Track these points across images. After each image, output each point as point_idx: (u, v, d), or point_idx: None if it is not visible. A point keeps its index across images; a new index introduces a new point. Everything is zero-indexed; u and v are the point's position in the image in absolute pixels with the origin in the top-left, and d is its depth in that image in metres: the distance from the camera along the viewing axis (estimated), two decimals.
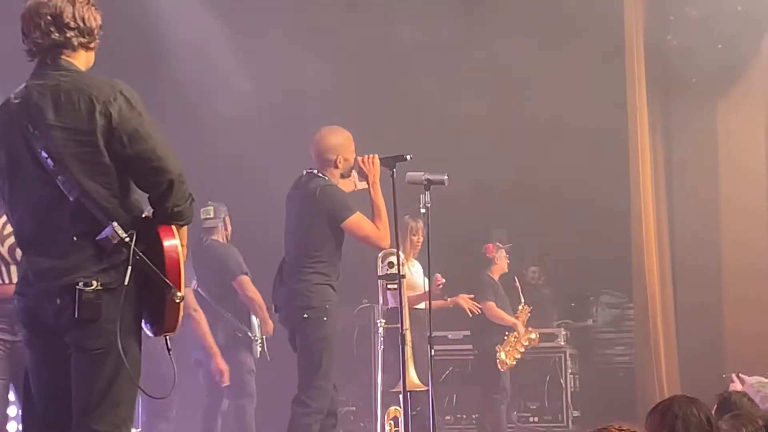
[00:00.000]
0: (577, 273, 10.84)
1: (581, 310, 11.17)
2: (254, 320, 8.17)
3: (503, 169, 10.33)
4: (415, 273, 8.61)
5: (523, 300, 9.68)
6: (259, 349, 8.30)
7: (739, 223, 10.07)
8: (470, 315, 9.23)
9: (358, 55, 10.29)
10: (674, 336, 9.93)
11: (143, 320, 3.79)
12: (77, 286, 3.62)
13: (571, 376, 10.25)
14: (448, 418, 10.06)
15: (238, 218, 8.55)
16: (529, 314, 9.64)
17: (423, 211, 6.47)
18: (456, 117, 10.35)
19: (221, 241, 8.23)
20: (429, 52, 10.56)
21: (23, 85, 3.81)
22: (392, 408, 7.68)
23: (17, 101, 3.78)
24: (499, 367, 9.27)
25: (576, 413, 10.22)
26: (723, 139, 10.21)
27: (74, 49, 3.84)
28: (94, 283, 3.63)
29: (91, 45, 3.89)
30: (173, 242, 3.72)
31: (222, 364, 7.88)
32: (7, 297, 5.15)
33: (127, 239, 3.65)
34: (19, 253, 4.16)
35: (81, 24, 3.82)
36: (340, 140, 6.46)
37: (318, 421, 6.23)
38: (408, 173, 6.45)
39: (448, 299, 9.13)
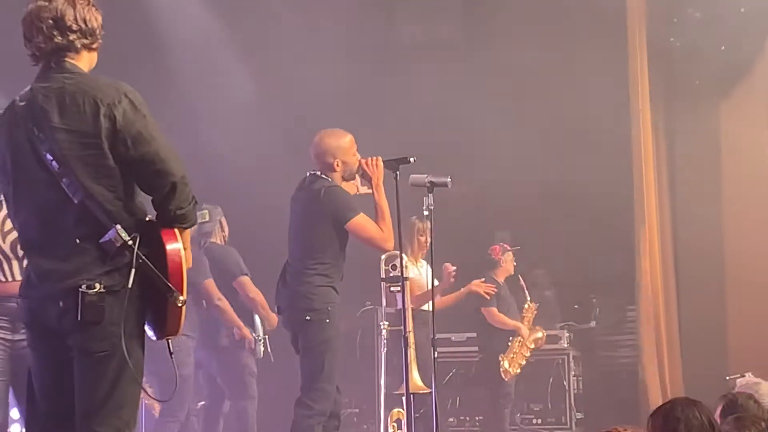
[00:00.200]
0: (581, 275, 10.83)
1: (584, 313, 11.16)
2: (257, 320, 8.18)
3: (506, 171, 10.32)
4: (424, 273, 8.61)
5: (529, 298, 9.67)
6: (263, 348, 8.31)
7: (743, 224, 10.07)
8: (488, 298, 9.19)
9: (359, 55, 10.30)
10: (677, 338, 9.93)
11: (146, 323, 3.79)
12: (80, 289, 3.62)
13: (574, 378, 10.24)
14: (451, 420, 10.05)
15: (240, 220, 8.56)
16: (535, 312, 9.63)
17: (426, 213, 6.48)
18: (459, 119, 10.34)
19: (219, 242, 8.24)
20: (431, 53, 10.57)
21: (28, 87, 3.82)
22: (395, 410, 7.68)
23: (22, 104, 3.78)
24: (503, 376, 9.25)
25: (579, 415, 10.20)
26: (726, 141, 10.21)
27: (77, 51, 3.84)
28: (97, 285, 3.63)
29: (94, 46, 3.90)
30: (176, 246, 3.72)
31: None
32: (8, 295, 5.16)
33: (130, 242, 3.66)
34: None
35: (83, 26, 3.83)
36: (338, 143, 6.45)
37: (321, 423, 6.22)
38: (411, 175, 6.45)
39: (462, 290, 9.15)
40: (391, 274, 7.28)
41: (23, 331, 4.34)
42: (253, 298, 8.04)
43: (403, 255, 8.44)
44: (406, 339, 6.36)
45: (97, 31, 3.89)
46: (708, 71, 9.87)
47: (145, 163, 3.71)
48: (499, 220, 10.61)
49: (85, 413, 3.70)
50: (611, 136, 9.99)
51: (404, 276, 6.79)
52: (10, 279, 5.48)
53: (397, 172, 6.36)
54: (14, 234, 5.26)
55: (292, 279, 6.40)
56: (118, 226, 3.66)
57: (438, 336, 6.54)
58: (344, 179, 6.48)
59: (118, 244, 3.65)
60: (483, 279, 9.28)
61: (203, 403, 8.24)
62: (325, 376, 6.22)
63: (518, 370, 9.33)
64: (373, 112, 9.94)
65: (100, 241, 3.67)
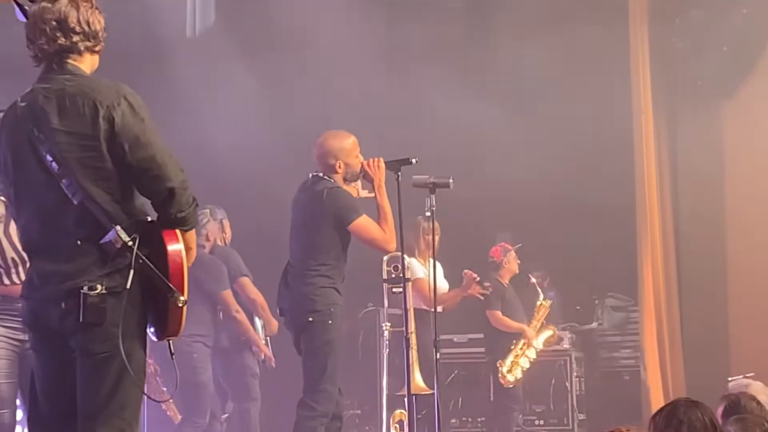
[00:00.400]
0: (583, 276, 10.82)
1: (586, 314, 11.15)
2: (258, 322, 8.18)
3: (507, 172, 10.31)
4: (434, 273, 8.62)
5: (542, 296, 9.65)
6: None
7: (745, 225, 10.06)
8: (481, 298, 9.15)
9: (361, 56, 10.29)
10: (679, 339, 9.92)
11: (148, 324, 3.79)
12: (82, 290, 3.63)
13: (577, 379, 10.23)
14: (453, 421, 10.04)
15: (242, 221, 8.56)
16: (548, 310, 9.62)
17: (428, 214, 6.48)
18: (461, 120, 10.34)
19: (220, 244, 8.23)
20: (432, 53, 10.57)
21: (30, 88, 3.82)
22: (397, 411, 7.68)
23: (23, 104, 3.79)
24: (501, 382, 9.24)
25: (581, 416, 10.20)
26: (728, 142, 10.20)
27: (80, 53, 3.85)
28: (99, 287, 3.64)
29: (96, 48, 3.90)
30: (177, 246, 3.73)
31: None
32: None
33: (131, 243, 3.66)
34: None
35: (86, 28, 3.83)
36: (341, 145, 6.45)
37: (323, 424, 6.23)
38: (413, 176, 6.46)
39: (457, 290, 9.14)
40: (393, 276, 7.27)
41: None
42: (253, 299, 8.05)
43: (413, 255, 8.54)
44: (407, 340, 6.36)
45: (100, 34, 3.90)
46: (710, 72, 9.86)
47: (142, 168, 3.72)
48: (500, 220, 10.60)
49: (87, 414, 3.70)
50: (613, 136, 9.98)
51: (406, 277, 6.78)
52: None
53: (399, 173, 6.36)
54: None
55: (293, 280, 6.40)
56: (118, 227, 3.67)
57: (441, 337, 6.55)
58: (346, 181, 6.48)
59: (119, 245, 3.66)
60: (488, 283, 9.27)
61: (227, 414, 8.22)
62: (328, 378, 6.22)
63: (519, 375, 9.30)
64: (374, 113, 9.94)
65: (101, 242, 3.68)
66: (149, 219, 3.80)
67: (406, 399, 6.58)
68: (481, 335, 9.81)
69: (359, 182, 6.58)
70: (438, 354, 6.39)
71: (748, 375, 7.66)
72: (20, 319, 5.37)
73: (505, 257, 9.51)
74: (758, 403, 4.82)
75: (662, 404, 4.26)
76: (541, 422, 10.12)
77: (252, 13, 10.29)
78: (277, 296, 6.63)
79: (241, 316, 7.90)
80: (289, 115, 10.01)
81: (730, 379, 7.73)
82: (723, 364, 9.56)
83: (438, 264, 8.82)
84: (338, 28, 10.09)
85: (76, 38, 3.81)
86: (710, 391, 6.64)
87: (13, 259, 5.72)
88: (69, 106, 3.72)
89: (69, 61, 3.82)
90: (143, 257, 3.67)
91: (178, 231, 3.76)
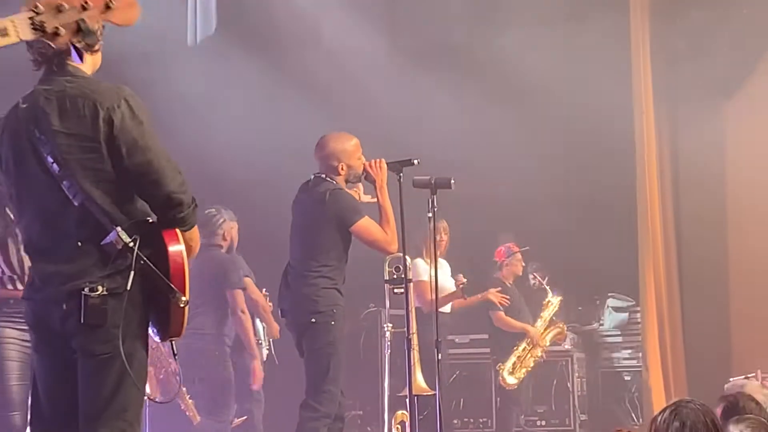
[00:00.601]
0: (584, 277, 10.82)
1: (588, 314, 11.16)
2: (258, 324, 8.18)
3: (509, 173, 10.32)
4: (440, 273, 8.63)
5: (550, 293, 9.65)
6: (266, 352, 8.31)
7: (747, 225, 10.06)
8: (501, 308, 9.21)
9: (363, 57, 10.31)
10: (681, 339, 9.91)
11: (150, 325, 3.80)
12: (83, 292, 3.63)
13: (578, 379, 10.23)
14: (455, 422, 10.05)
15: (245, 223, 8.55)
16: (557, 308, 9.62)
17: (429, 215, 6.48)
18: (462, 120, 10.35)
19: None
20: (433, 55, 10.58)
21: (31, 89, 3.82)
22: (399, 412, 7.68)
23: (24, 106, 3.79)
24: (502, 385, 9.24)
25: (583, 417, 10.20)
26: (730, 142, 10.20)
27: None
28: (100, 288, 3.64)
29: (96, 48, 3.88)
30: (178, 247, 3.72)
31: (258, 370, 7.91)
32: None
33: (131, 244, 3.66)
34: None
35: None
36: (343, 146, 6.45)
37: (326, 425, 6.23)
38: (415, 177, 6.46)
39: (478, 296, 9.16)
40: (395, 276, 7.27)
41: None
42: (254, 300, 8.04)
43: (420, 255, 8.54)
44: (409, 341, 6.37)
45: (99, 33, 3.88)
46: (712, 72, 9.86)
47: (139, 173, 3.72)
48: (502, 221, 10.60)
49: (88, 415, 3.70)
50: (615, 136, 9.99)
51: (407, 278, 6.78)
52: None
53: (401, 175, 6.36)
54: None
55: (294, 281, 6.40)
56: (119, 229, 3.67)
57: (448, 337, 6.55)
58: (348, 182, 6.49)
59: (120, 247, 3.66)
60: (499, 289, 9.30)
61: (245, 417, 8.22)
62: (331, 379, 6.22)
63: (522, 376, 9.30)
64: (376, 114, 9.95)
65: (102, 243, 3.67)
66: (150, 220, 3.79)
67: (407, 400, 6.58)
68: (485, 336, 9.82)
69: (361, 186, 6.58)
70: (440, 355, 6.39)
71: (749, 375, 7.67)
72: None
73: (507, 258, 9.51)
74: (757, 403, 4.82)
75: (664, 405, 4.26)
76: (543, 423, 10.12)
77: (255, 16, 10.29)
78: (278, 297, 6.64)
79: (246, 317, 7.88)
80: (290, 116, 10.01)
81: (731, 379, 7.73)
82: (724, 364, 9.57)
83: (446, 263, 8.90)
84: (341, 30, 10.10)
85: (74, 40, 3.81)
86: (712, 391, 6.63)
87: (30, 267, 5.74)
88: (69, 107, 3.71)
89: (69, 62, 3.82)
90: (144, 258, 3.67)
91: (178, 231, 3.76)
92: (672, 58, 10.03)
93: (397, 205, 6.34)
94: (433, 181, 6.43)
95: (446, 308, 8.92)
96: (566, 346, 10.24)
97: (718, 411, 4.60)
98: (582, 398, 10.28)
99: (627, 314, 10.95)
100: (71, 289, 3.66)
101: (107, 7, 3.14)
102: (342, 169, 6.41)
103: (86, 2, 3.09)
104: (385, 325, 7.71)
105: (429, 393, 6.89)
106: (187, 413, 7.59)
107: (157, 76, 9.24)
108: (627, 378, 10.71)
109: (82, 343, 3.69)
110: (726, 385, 7.06)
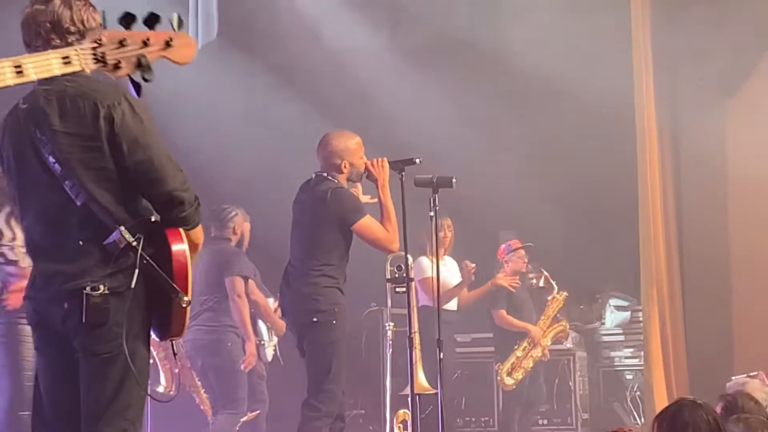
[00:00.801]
0: (586, 276, 10.82)
1: (590, 313, 11.15)
2: (261, 325, 8.18)
3: (510, 172, 10.32)
4: (446, 269, 8.64)
5: (556, 289, 9.64)
6: (272, 352, 8.31)
7: (748, 223, 10.04)
8: (513, 290, 9.25)
9: (364, 56, 10.30)
10: (683, 338, 9.90)
11: (151, 324, 3.79)
12: (84, 291, 3.62)
13: (580, 378, 10.22)
14: (457, 421, 10.04)
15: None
16: (562, 303, 9.61)
17: (431, 213, 6.48)
18: (462, 119, 10.35)
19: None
20: (434, 53, 10.58)
21: (32, 89, 3.82)
22: (401, 411, 7.68)
23: (25, 106, 3.78)
24: (501, 385, 9.23)
25: (585, 416, 10.19)
26: (731, 141, 10.19)
27: None
28: (101, 287, 3.63)
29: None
30: (181, 247, 3.71)
31: (253, 349, 7.90)
32: None
33: (135, 243, 3.66)
34: None
35: (81, 27, 3.79)
36: (346, 145, 6.45)
37: (328, 425, 6.23)
38: (416, 176, 6.46)
39: (487, 284, 9.17)
40: (396, 275, 7.26)
41: None
42: (255, 300, 8.03)
43: (424, 253, 8.55)
44: (411, 340, 6.37)
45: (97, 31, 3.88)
46: (713, 72, 9.85)
47: (140, 171, 3.71)
48: (503, 219, 10.60)
49: (90, 414, 3.70)
50: (616, 135, 9.98)
51: (409, 277, 6.78)
52: None
53: (403, 173, 6.37)
54: None
55: (295, 280, 6.39)
56: (122, 228, 3.66)
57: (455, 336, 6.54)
58: (350, 181, 6.49)
59: (122, 246, 3.65)
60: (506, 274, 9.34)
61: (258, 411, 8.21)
62: (332, 378, 6.22)
63: (521, 377, 9.28)
64: (378, 113, 9.95)
65: (104, 242, 3.67)
66: (153, 219, 3.78)
67: (409, 399, 6.58)
68: (488, 335, 9.80)
69: (360, 186, 6.58)
70: (442, 353, 6.39)
71: (752, 374, 7.65)
72: None
73: (507, 256, 9.50)
74: (756, 402, 4.82)
75: (666, 404, 4.26)
76: (545, 421, 10.12)
77: (257, 16, 10.29)
78: (278, 298, 6.63)
79: (243, 301, 7.85)
80: (291, 116, 10.01)
81: (733, 378, 7.73)
82: (726, 363, 9.55)
83: (452, 260, 8.91)
84: (341, 31, 10.10)
85: (71, 38, 3.77)
86: (714, 390, 6.64)
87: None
88: (70, 107, 3.70)
89: None
90: (147, 257, 3.66)
91: (182, 231, 3.75)
92: (673, 57, 10.02)
93: (399, 204, 6.34)
94: (434, 180, 6.43)
95: (452, 305, 8.92)
96: (568, 345, 10.23)
97: (718, 410, 4.60)
98: (584, 397, 10.27)
99: (629, 313, 10.95)
100: (73, 288, 3.66)
101: (167, 45, 3.18)
102: (345, 167, 6.41)
103: (148, 38, 3.13)
104: (386, 324, 7.71)
105: (431, 392, 6.89)
106: (202, 407, 7.60)
107: (157, 78, 9.23)
108: (629, 377, 10.71)
109: (83, 343, 3.69)
110: (728, 384, 7.06)
